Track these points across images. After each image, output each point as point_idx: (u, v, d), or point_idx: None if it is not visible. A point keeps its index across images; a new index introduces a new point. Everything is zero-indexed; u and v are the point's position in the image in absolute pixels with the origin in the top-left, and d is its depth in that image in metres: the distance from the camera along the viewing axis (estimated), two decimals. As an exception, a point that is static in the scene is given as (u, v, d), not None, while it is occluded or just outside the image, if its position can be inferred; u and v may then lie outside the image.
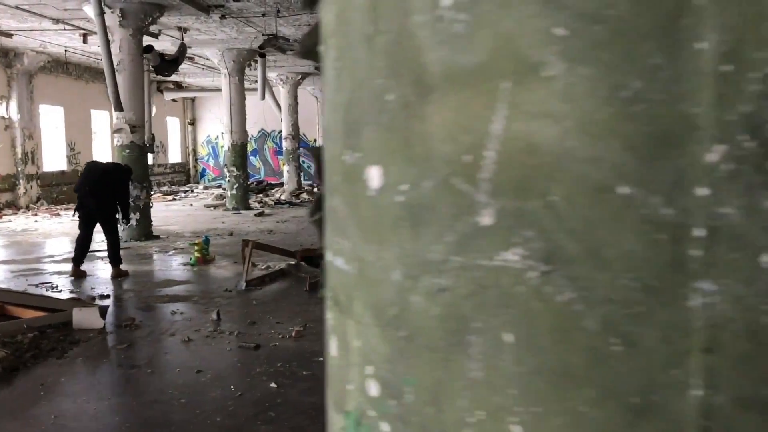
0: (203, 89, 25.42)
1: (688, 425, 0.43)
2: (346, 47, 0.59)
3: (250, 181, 24.93)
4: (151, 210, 13.41)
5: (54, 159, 18.85)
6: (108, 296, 7.13)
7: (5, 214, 15.47)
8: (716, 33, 0.40)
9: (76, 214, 8.05)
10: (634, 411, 0.44)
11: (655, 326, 0.43)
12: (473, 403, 0.50)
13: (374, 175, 0.56)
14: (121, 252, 8.53)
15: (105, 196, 7.83)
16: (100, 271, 8.39)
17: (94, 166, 8.46)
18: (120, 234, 10.05)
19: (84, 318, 5.90)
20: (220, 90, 17.65)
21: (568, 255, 0.45)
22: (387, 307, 0.55)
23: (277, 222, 13.59)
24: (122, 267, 8.17)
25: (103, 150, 20.10)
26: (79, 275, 8.07)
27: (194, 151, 27.07)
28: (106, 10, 10.14)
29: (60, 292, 7.38)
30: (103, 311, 6.07)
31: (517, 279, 0.47)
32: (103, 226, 7.93)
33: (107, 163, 9.03)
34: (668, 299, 0.43)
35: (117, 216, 8.08)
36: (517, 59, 0.46)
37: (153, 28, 12.66)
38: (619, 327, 0.44)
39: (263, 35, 13.36)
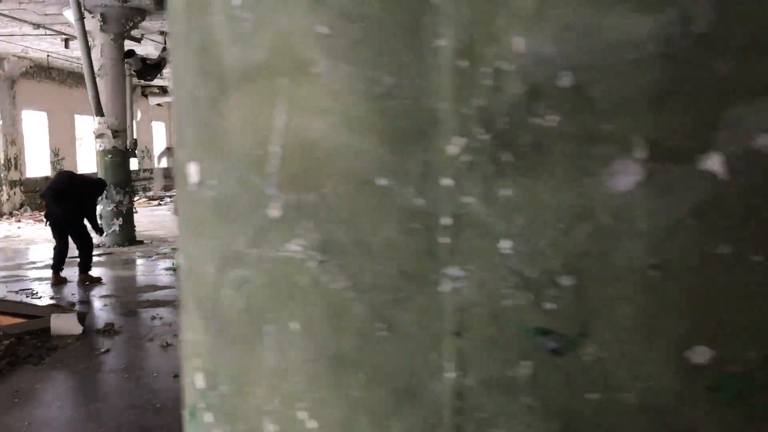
0: (190, 93, 25.07)
1: (443, 407, 0.45)
2: (175, 46, 0.60)
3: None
4: (136, 215, 13.37)
5: (38, 165, 18.77)
6: (88, 302, 7.11)
7: (-11, 221, 15.39)
8: (452, 30, 0.42)
9: (48, 222, 8.04)
10: (398, 394, 0.46)
11: (414, 311, 0.45)
12: (270, 392, 0.51)
13: (192, 171, 0.57)
14: (104, 257, 8.50)
15: (69, 204, 7.81)
16: (81, 276, 8.37)
17: (62, 173, 8.51)
18: (102, 239, 10.02)
19: (62, 324, 5.88)
20: (205, 94, 17.57)
21: (340, 245, 0.47)
22: (205, 299, 0.57)
23: (263, 225, 13.54)
24: (93, 274, 8.16)
25: (89, 156, 20.01)
26: (59, 282, 8.04)
27: (182, 155, 26.97)
28: (86, 14, 10.12)
29: (40, 298, 7.35)
30: (81, 317, 6.05)
31: (299, 269, 0.49)
32: (72, 236, 7.93)
33: (80, 175, 9.04)
34: (423, 285, 0.45)
35: (86, 224, 8.07)
36: (292, 57, 0.47)
37: (135, 33, 12.63)
38: (384, 312, 0.46)
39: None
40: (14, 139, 17.60)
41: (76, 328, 5.95)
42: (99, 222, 8.79)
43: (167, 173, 20.33)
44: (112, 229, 10.77)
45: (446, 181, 0.43)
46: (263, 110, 0.49)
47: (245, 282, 0.52)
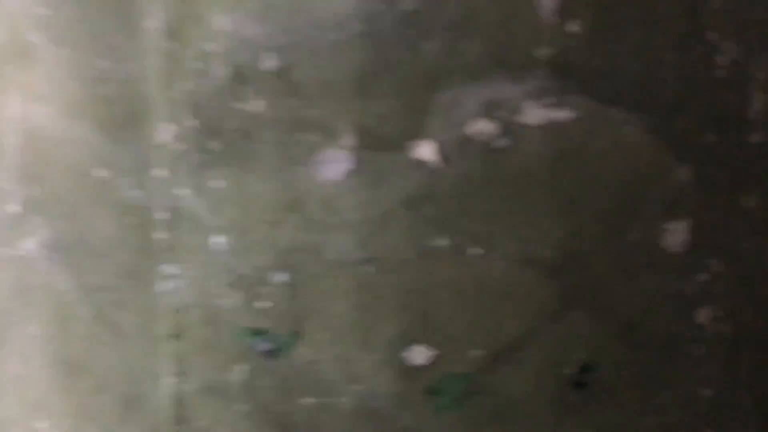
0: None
1: (164, 415, 0.42)
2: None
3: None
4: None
5: None
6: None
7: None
8: (161, 10, 0.39)
9: None
10: (123, 401, 0.42)
11: (134, 313, 0.42)
12: (16, 400, 0.48)
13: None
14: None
15: None
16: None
17: None
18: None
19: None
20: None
21: (66, 242, 0.44)
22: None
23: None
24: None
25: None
26: None
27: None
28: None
29: None
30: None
31: (33, 269, 0.45)
32: None
33: None
34: (141, 284, 0.41)
35: None
36: (19, 41, 0.44)
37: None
38: (107, 315, 0.43)
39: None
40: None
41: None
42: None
43: None
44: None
45: (160, 172, 0.40)
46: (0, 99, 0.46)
47: (-5, 284, 0.49)
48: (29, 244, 0.45)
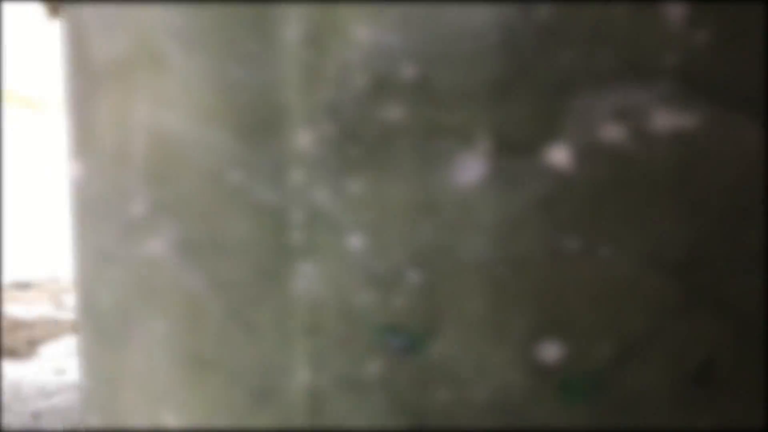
0: None
1: (298, 407, 0.43)
2: (60, 42, 0.59)
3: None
4: None
5: None
6: None
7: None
8: (299, 19, 0.41)
9: None
10: (254, 395, 0.44)
11: (269, 310, 0.44)
12: (140, 393, 0.50)
13: (74, 169, 0.56)
14: None
15: None
16: None
17: None
18: None
19: None
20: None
21: (197, 242, 0.46)
22: (86, 300, 0.56)
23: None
24: None
25: None
26: None
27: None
28: None
29: None
30: None
31: (161, 268, 0.47)
32: None
33: None
34: (277, 283, 0.43)
35: None
36: (151, 48, 0.46)
37: None
38: (240, 312, 0.45)
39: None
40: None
41: None
42: None
43: None
44: None
45: (297, 176, 0.42)
46: (128, 105, 0.48)
47: (116, 282, 0.51)
48: (156, 244, 0.47)
